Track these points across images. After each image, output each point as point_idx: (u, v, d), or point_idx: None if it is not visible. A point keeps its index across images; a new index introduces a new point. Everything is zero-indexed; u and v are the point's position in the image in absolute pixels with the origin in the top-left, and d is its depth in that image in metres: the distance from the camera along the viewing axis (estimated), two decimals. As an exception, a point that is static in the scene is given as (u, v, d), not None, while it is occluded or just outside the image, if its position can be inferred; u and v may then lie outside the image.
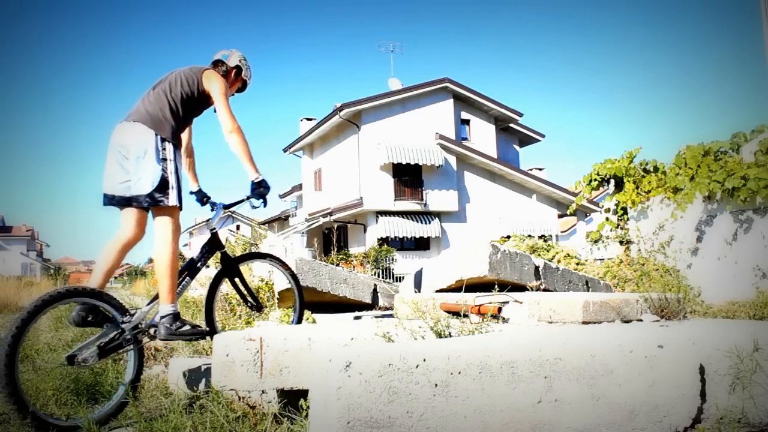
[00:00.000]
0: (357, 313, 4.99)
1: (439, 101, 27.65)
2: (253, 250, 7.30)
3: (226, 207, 3.61)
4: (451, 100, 27.86)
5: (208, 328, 3.30)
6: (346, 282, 5.16)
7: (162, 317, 3.04)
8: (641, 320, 3.46)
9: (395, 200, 26.34)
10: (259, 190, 3.32)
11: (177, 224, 3.14)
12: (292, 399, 2.64)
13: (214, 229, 3.54)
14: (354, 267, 21.62)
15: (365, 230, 26.81)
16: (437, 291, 4.50)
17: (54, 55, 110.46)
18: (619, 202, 7.37)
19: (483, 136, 28.95)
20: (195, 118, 3.43)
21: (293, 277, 3.90)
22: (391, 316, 4.45)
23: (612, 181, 7.57)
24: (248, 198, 3.41)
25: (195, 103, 3.29)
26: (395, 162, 25.85)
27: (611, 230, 7.55)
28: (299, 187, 33.44)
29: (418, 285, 4.79)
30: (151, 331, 3.10)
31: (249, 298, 3.69)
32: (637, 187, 7.11)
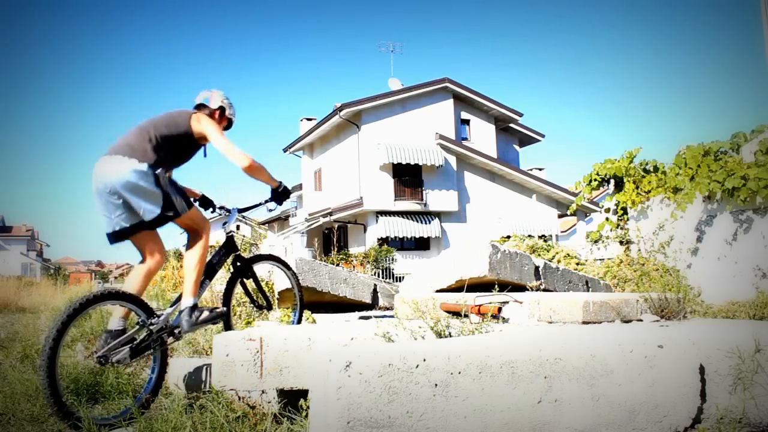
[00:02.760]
0: (363, 313, 5.00)
1: (439, 101, 27.64)
2: (253, 251, 7.33)
3: (241, 211, 3.74)
4: (451, 100, 27.86)
5: (214, 313, 3.36)
6: (346, 282, 5.16)
7: (181, 311, 3.17)
8: (641, 320, 3.46)
9: (395, 200, 26.34)
10: (281, 195, 3.58)
11: (202, 222, 3.29)
12: (292, 399, 2.64)
13: (231, 232, 3.64)
14: (354, 267, 21.62)
15: (365, 230, 26.82)
16: (437, 291, 4.50)
17: (54, 55, 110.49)
18: (619, 202, 7.37)
19: (483, 136, 28.95)
20: (179, 163, 3.39)
21: (295, 278, 4.04)
22: (391, 316, 4.45)
23: (612, 181, 7.57)
24: (266, 202, 3.68)
25: (180, 143, 3.27)
26: (395, 162, 25.85)
27: (611, 230, 7.55)
28: (299, 187, 33.44)
29: (417, 286, 4.79)
30: (175, 331, 3.22)
31: (261, 298, 3.84)
32: (637, 187, 7.11)
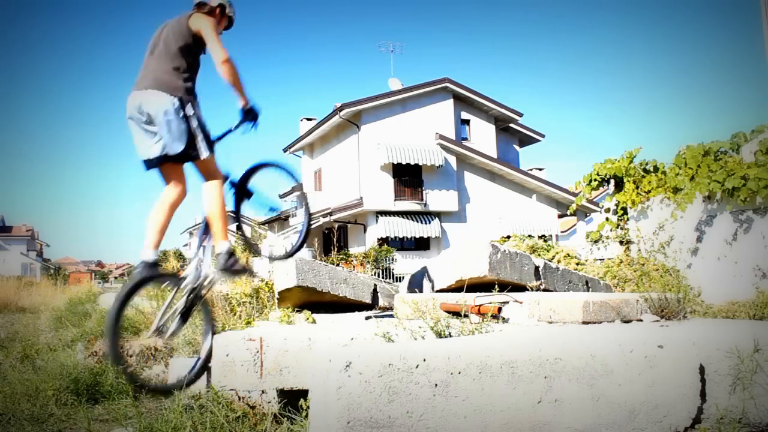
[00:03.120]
0: (368, 313, 5.00)
1: (439, 101, 27.63)
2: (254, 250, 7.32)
3: (216, 139, 3.58)
4: (451, 100, 27.84)
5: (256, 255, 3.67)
6: (346, 282, 5.16)
7: (218, 253, 3.33)
8: (641, 320, 3.46)
9: (395, 200, 26.32)
10: (250, 115, 3.50)
11: (216, 170, 3.39)
12: (292, 399, 2.64)
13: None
14: (354, 267, 21.61)
15: (365, 230, 26.80)
16: (437, 291, 4.50)
17: (54, 55, 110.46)
18: (619, 202, 7.37)
19: (483, 136, 28.93)
20: (197, 70, 3.48)
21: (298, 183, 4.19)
22: (391, 316, 4.45)
23: (612, 181, 7.56)
24: (238, 125, 3.54)
25: (193, 49, 3.38)
26: (395, 162, 25.83)
27: (611, 230, 7.54)
28: (299, 187, 33.40)
29: (417, 286, 4.79)
30: (205, 282, 3.37)
31: (270, 205, 4.00)
32: (637, 187, 7.11)
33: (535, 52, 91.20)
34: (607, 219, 7.68)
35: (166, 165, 3.30)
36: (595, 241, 7.85)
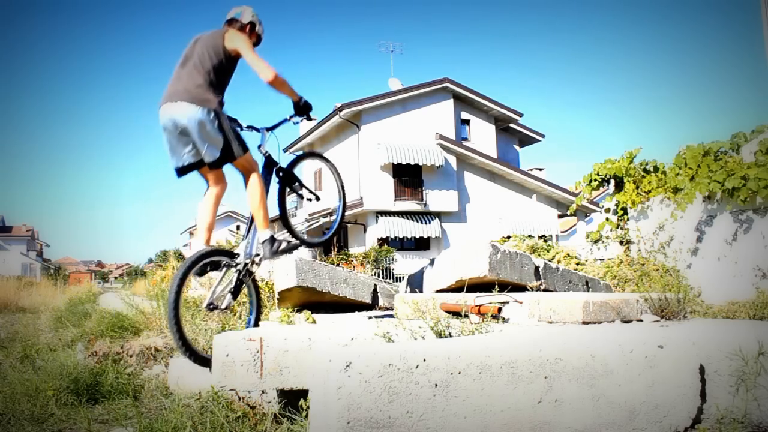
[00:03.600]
0: (372, 313, 5.00)
1: (439, 101, 27.63)
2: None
3: (269, 129, 3.91)
4: (451, 100, 27.84)
5: (297, 240, 3.85)
6: (346, 282, 5.16)
7: (263, 242, 3.60)
8: (641, 320, 3.46)
9: (395, 200, 26.32)
10: (303, 108, 3.80)
11: (252, 164, 3.61)
12: (292, 399, 2.63)
13: (267, 152, 3.86)
14: (354, 267, 21.61)
15: (365, 230, 26.80)
16: (437, 291, 4.50)
17: (54, 55, 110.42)
18: (619, 202, 7.36)
19: (483, 136, 28.93)
20: (227, 84, 3.66)
21: (337, 174, 4.36)
22: (391, 316, 4.45)
23: (612, 181, 7.55)
24: (291, 117, 3.89)
25: (226, 66, 3.57)
26: (395, 162, 25.83)
27: (611, 230, 7.54)
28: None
29: (417, 286, 4.78)
30: (256, 259, 3.67)
31: (308, 193, 4.22)
32: (637, 187, 7.11)
33: (535, 52, 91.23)
34: (607, 219, 7.68)
35: (205, 168, 3.55)
36: (595, 241, 7.85)
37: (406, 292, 4.61)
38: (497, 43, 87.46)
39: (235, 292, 3.61)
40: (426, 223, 26.62)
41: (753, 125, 6.37)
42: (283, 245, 3.63)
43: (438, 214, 27.05)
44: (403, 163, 25.89)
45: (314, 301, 5.06)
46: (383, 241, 25.97)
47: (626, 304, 3.46)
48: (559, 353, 2.14)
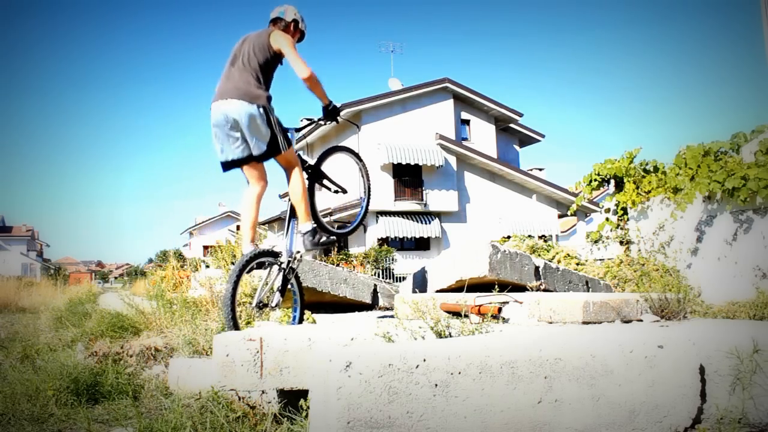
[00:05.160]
0: (370, 313, 5.00)
1: (439, 101, 27.63)
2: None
3: (298, 130, 4.12)
4: (451, 100, 27.84)
5: (332, 236, 4.01)
6: (346, 282, 5.16)
7: (305, 233, 3.81)
8: (641, 320, 3.46)
9: (395, 200, 26.32)
10: (331, 112, 4.05)
11: (295, 159, 3.83)
12: (292, 399, 2.64)
13: (297, 151, 4.01)
14: (354, 267, 21.60)
15: (365, 230, 26.80)
16: (437, 291, 4.50)
17: (54, 55, 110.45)
18: (619, 202, 7.36)
19: (483, 136, 28.93)
20: (271, 81, 3.86)
21: (365, 169, 4.60)
22: (391, 316, 4.45)
23: (612, 182, 7.55)
24: (319, 119, 4.17)
25: (271, 64, 3.78)
26: (395, 162, 25.84)
27: (611, 230, 7.54)
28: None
29: (418, 286, 4.79)
30: (297, 255, 3.89)
31: (336, 187, 4.41)
32: (637, 187, 7.11)
33: (535, 52, 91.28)
34: (607, 219, 7.68)
35: (250, 164, 3.74)
36: (595, 241, 7.84)
37: (414, 291, 4.60)
38: (497, 43, 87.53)
39: (283, 290, 3.81)
40: (426, 223, 26.63)
41: (753, 125, 6.37)
42: (324, 238, 3.86)
43: (438, 214, 27.05)
44: (403, 163, 25.90)
45: (314, 301, 5.07)
46: (383, 241, 25.97)
47: (626, 304, 3.46)
48: (559, 353, 2.14)
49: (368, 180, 4.57)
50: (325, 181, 4.29)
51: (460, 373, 1.99)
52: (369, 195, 4.58)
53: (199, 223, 54.76)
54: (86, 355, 4.49)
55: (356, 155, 4.49)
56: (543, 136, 32.05)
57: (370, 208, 4.64)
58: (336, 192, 4.44)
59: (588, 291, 5.10)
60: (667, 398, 2.22)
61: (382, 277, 19.78)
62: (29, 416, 3.15)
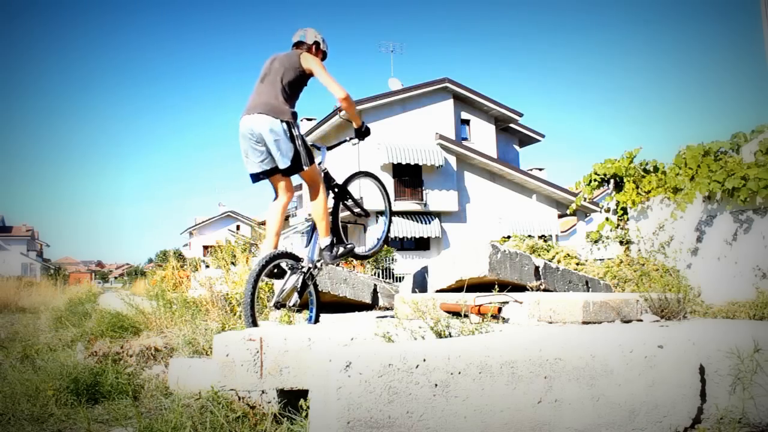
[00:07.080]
0: (370, 313, 5.00)
1: (439, 101, 27.64)
2: (252, 250, 7.35)
3: (329, 148, 4.37)
4: (451, 100, 27.85)
5: (350, 245, 4.15)
6: (346, 282, 5.16)
7: (324, 247, 4.01)
8: (641, 320, 3.46)
9: (395, 200, 26.30)
10: (363, 133, 4.27)
11: (317, 176, 4.00)
12: (292, 399, 2.63)
13: (325, 169, 4.24)
14: (354, 267, 21.59)
15: (365, 230, 26.80)
16: (437, 291, 4.50)
17: (54, 55, 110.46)
18: (619, 202, 7.37)
19: (483, 136, 28.94)
20: (297, 99, 4.03)
21: (385, 191, 4.73)
22: (391, 316, 4.45)
23: (612, 181, 7.56)
24: (350, 139, 4.42)
25: (300, 82, 3.95)
26: (395, 162, 25.84)
27: (611, 230, 7.54)
28: (299, 187, 33.42)
29: (418, 286, 4.79)
30: (318, 264, 4.07)
31: (358, 209, 4.63)
32: (637, 187, 7.11)
33: (535, 52, 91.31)
34: (607, 219, 7.69)
35: (276, 176, 3.92)
36: (595, 241, 7.85)
37: (414, 291, 4.61)
38: (497, 43, 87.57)
39: (301, 292, 3.97)
40: (426, 223, 26.63)
41: (753, 125, 6.38)
42: (341, 250, 4.02)
43: (438, 214, 27.06)
44: (403, 163, 25.90)
45: (314, 301, 5.06)
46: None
47: (626, 304, 3.46)
48: (559, 353, 2.14)
49: (390, 203, 4.74)
50: (350, 202, 4.46)
51: (460, 373, 1.99)
52: (390, 218, 4.79)
53: (199, 223, 54.79)
54: (86, 355, 4.49)
55: (378, 180, 4.66)
56: (543, 136, 32.06)
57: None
58: (359, 215, 4.63)
59: (588, 291, 5.10)
60: (667, 398, 2.22)
61: (382, 277, 19.77)
62: (29, 416, 3.15)
